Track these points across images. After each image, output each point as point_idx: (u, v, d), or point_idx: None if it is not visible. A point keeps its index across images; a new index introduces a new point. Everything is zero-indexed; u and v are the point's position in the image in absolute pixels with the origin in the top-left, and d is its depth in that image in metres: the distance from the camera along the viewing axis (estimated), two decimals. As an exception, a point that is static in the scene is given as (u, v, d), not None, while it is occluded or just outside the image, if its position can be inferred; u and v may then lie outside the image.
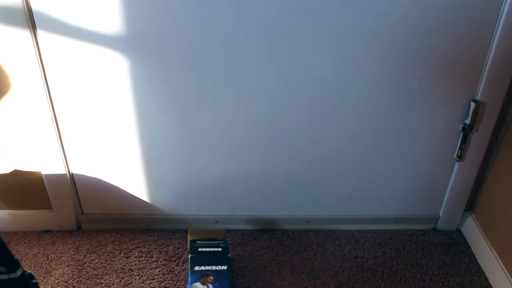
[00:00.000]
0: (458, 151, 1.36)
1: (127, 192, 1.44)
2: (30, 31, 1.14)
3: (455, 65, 1.22)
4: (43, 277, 1.32)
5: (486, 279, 1.35)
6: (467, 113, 1.29)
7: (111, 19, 1.13)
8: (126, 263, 1.38)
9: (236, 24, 1.14)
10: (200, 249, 1.26)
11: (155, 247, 1.44)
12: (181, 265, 1.37)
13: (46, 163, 1.35)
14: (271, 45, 1.18)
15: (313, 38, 1.17)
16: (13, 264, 0.67)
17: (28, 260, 1.38)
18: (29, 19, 1.12)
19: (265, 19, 1.14)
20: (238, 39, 1.17)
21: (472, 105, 1.27)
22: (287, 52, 1.19)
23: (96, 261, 1.38)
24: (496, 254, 1.33)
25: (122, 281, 1.32)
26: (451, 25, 1.16)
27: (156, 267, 1.36)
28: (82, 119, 1.29)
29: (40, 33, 1.15)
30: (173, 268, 1.36)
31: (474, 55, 1.21)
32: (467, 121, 1.30)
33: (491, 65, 1.21)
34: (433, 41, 1.18)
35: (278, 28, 1.15)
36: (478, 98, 1.26)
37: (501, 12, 1.14)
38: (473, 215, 1.48)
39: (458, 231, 1.52)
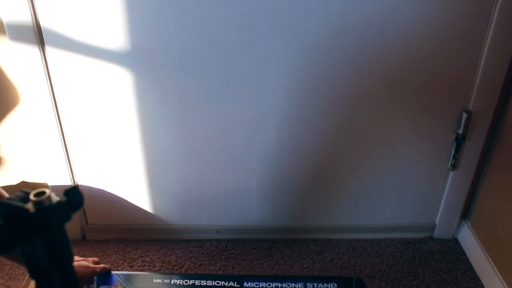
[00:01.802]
0: (452, 161, 1.39)
1: (130, 203, 1.47)
2: (39, 47, 1.18)
3: (446, 76, 1.26)
4: None
5: (482, 286, 1.36)
6: (460, 123, 1.33)
7: (116, 35, 1.18)
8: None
9: (238, 36, 1.18)
10: None
11: (157, 257, 1.46)
12: (181, 273, 1.40)
13: (53, 175, 1.39)
14: (273, 58, 1.21)
15: (308, 49, 1.21)
16: None
17: (34, 269, 1.41)
18: (38, 36, 1.17)
19: (267, 30, 1.18)
20: (240, 51, 1.21)
21: (464, 115, 1.30)
22: (289, 64, 1.22)
23: (100, 270, 1.41)
24: (491, 261, 1.35)
25: (125, 289, 1.35)
26: (441, 37, 1.20)
27: (158, 276, 1.39)
28: (87, 132, 1.33)
29: (48, 49, 1.20)
30: (175, 276, 1.39)
31: (465, 66, 1.24)
32: (460, 131, 1.33)
33: (481, 75, 1.24)
34: (425, 53, 1.22)
35: (281, 39, 1.19)
36: (470, 108, 1.30)
37: (489, 24, 1.18)
38: (468, 223, 1.50)
39: (454, 239, 1.54)
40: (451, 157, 1.39)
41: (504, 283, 1.27)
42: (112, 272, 1.12)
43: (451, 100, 1.30)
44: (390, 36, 1.19)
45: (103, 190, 1.44)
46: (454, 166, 1.39)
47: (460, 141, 1.35)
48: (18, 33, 1.16)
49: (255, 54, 1.21)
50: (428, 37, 1.20)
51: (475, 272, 1.41)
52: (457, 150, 1.37)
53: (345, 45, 1.20)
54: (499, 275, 1.30)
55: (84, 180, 1.42)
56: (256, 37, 1.19)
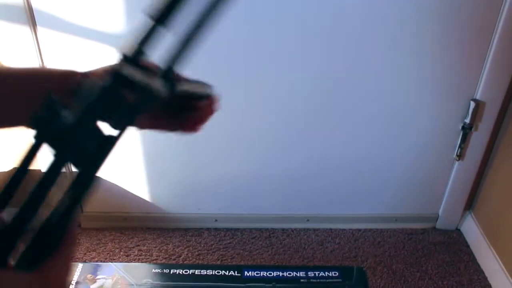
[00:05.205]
0: (457, 150, 1.36)
1: (127, 191, 1.44)
2: (31, 28, 1.14)
3: (455, 64, 1.23)
4: (43, 275, 1.32)
5: (485, 278, 1.35)
6: (467, 112, 1.29)
7: (112, 16, 1.13)
8: (126, 261, 1.38)
9: (239, 23, 1.14)
10: None
11: (154, 246, 1.43)
12: (180, 263, 1.37)
13: (46, 161, 1.35)
14: (273, 45, 1.18)
15: (312, 35, 1.17)
16: None
17: (28, 258, 1.38)
18: (30, 17, 1.12)
19: (270, 20, 1.14)
20: (240, 38, 1.17)
21: (472, 104, 1.27)
22: (288, 51, 1.19)
23: (96, 259, 1.38)
24: (495, 253, 1.33)
25: (122, 279, 1.32)
26: (451, 24, 1.16)
27: (155, 266, 1.36)
28: (82, 117, 1.29)
29: (40, 30, 1.15)
30: (173, 266, 1.36)
31: (474, 54, 1.21)
32: (467, 120, 1.30)
33: (491, 64, 1.21)
34: (433, 40, 1.19)
35: (281, 29, 1.15)
36: (477, 97, 1.27)
37: (501, 10, 1.14)
38: (472, 214, 1.48)
39: (458, 230, 1.52)
40: (457, 146, 1.36)
41: (508, 275, 1.26)
42: (110, 263, 1.09)
43: (459, 89, 1.27)
44: (398, 22, 1.15)
45: (98, 177, 1.40)
46: (459, 156, 1.36)
47: (466, 130, 1.32)
48: (8, 13, 1.11)
49: (258, 41, 1.17)
50: (437, 23, 1.16)
51: (478, 264, 1.39)
52: (463, 140, 1.34)
53: (352, 36, 1.16)
54: (503, 267, 1.28)
55: (79, 167, 1.38)
56: (262, 24, 1.14)
